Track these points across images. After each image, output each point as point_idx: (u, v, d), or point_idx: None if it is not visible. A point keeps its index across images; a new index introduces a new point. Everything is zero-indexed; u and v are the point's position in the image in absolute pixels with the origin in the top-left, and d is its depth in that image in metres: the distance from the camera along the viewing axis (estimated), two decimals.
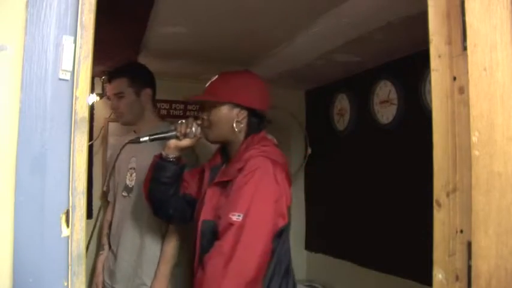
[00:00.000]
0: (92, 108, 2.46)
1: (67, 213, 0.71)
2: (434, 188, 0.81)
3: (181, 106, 2.83)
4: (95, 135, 2.47)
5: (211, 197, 1.35)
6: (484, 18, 0.70)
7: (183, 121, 1.42)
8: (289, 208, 1.31)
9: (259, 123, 1.41)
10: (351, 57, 2.21)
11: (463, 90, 0.76)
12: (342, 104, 2.65)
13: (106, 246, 1.94)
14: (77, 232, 0.72)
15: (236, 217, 1.20)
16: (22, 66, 0.68)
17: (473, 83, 0.71)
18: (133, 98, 1.81)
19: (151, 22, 1.71)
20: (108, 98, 1.91)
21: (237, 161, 1.31)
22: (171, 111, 2.82)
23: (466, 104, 0.73)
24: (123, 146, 1.52)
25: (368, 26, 1.73)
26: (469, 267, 0.73)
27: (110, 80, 1.86)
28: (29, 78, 0.69)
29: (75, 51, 0.72)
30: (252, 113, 1.39)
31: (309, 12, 1.64)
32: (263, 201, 1.23)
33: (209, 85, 1.41)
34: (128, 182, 1.85)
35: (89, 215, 2.42)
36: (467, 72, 0.72)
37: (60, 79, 0.71)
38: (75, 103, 0.72)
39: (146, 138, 1.40)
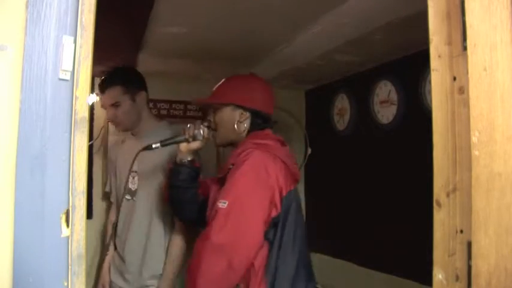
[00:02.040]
0: (92, 108, 2.46)
1: (67, 213, 0.71)
2: (434, 188, 0.81)
3: (181, 106, 2.83)
4: (94, 135, 2.47)
5: (213, 194, 1.40)
6: (484, 18, 0.70)
7: (191, 124, 1.46)
8: (283, 199, 1.28)
9: (263, 125, 1.43)
10: (351, 57, 2.21)
11: (463, 90, 0.76)
12: (342, 104, 2.65)
13: (111, 247, 1.95)
14: (77, 232, 0.72)
15: (222, 204, 1.22)
16: (22, 66, 0.68)
17: (473, 83, 0.71)
18: (130, 104, 1.78)
19: (151, 22, 1.71)
20: (104, 108, 1.88)
21: (231, 156, 1.35)
22: (171, 111, 2.82)
23: (466, 104, 0.73)
24: (137, 155, 1.51)
25: (368, 26, 1.73)
26: (469, 267, 0.73)
27: (102, 91, 1.80)
28: (29, 78, 0.69)
29: (75, 51, 0.72)
30: (255, 114, 1.41)
31: (309, 12, 1.64)
32: (250, 188, 1.24)
33: (215, 89, 1.46)
34: (130, 186, 1.83)
35: (89, 215, 2.42)
36: (467, 72, 0.72)
37: (60, 79, 0.71)
38: (75, 103, 0.72)
39: (158, 144, 1.44)
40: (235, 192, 1.24)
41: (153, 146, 1.44)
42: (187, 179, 1.48)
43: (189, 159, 1.48)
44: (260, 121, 1.42)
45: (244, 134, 1.41)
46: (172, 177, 1.49)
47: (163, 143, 1.45)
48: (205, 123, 1.46)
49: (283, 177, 1.29)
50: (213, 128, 1.44)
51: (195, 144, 1.45)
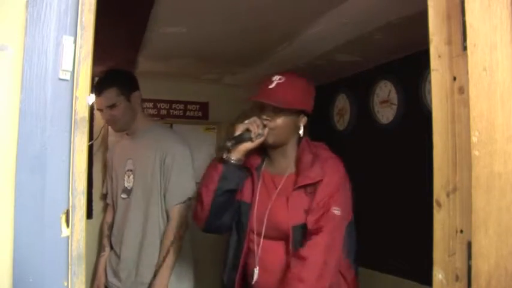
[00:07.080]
0: (92, 108, 2.46)
1: (67, 213, 0.71)
2: (434, 188, 0.81)
3: (181, 106, 2.83)
4: (95, 135, 2.47)
5: (296, 201, 1.31)
6: (484, 18, 0.70)
7: (247, 122, 1.33)
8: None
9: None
10: (351, 57, 2.21)
11: (463, 90, 0.76)
12: (342, 104, 2.65)
13: (107, 248, 1.97)
14: (77, 232, 0.72)
15: (336, 211, 1.28)
16: (22, 66, 0.68)
17: (473, 83, 0.71)
18: (126, 105, 1.84)
19: (151, 22, 1.71)
20: (99, 109, 1.90)
21: (316, 163, 1.35)
22: (171, 111, 2.82)
23: (466, 104, 0.73)
24: (217, 153, 1.47)
25: (368, 26, 1.73)
26: (469, 267, 0.73)
27: (98, 94, 1.83)
28: (29, 78, 0.69)
29: (75, 51, 0.72)
30: (308, 117, 1.44)
31: (309, 12, 1.64)
32: (348, 197, 1.37)
33: (275, 87, 1.33)
34: (126, 184, 1.87)
35: (89, 215, 2.42)
36: (467, 72, 0.72)
37: (60, 79, 0.71)
38: (75, 103, 0.72)
39: (230, 143, 1.31)
40: (343, 202, 1.32)
41: (227, 144, 1.32)
42: (239, 183, 1.37)
43: (241, 159, 1.34)
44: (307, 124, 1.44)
45: (296, 137, 1.41)
46: (225, 182, 1.32)
47: (234, 142, 1.32)
48: (265, 122, 1.33)
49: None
50: (270, 127, 1.33)
51: (250, 145, 1.33)
